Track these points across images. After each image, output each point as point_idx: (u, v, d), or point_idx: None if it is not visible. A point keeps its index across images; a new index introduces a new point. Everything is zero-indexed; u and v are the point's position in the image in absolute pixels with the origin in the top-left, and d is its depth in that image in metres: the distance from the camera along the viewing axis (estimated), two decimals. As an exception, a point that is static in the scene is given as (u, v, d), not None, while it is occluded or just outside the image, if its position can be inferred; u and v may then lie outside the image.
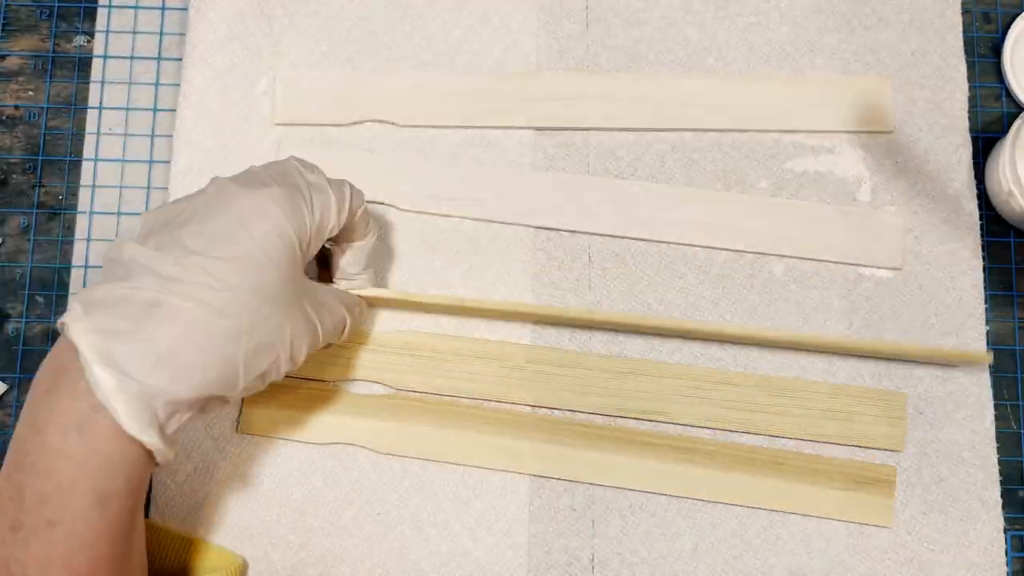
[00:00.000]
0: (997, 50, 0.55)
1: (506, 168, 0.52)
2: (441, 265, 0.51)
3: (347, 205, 0.42)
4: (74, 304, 0.37)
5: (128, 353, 0.35)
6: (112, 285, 0.37)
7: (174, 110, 0.53)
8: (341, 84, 0.52)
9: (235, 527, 0.48)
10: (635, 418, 0.50)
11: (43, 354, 0.49)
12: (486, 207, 0.51)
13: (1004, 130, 0.54)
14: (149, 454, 0.37)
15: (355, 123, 0.52)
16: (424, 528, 0.48)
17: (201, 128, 0.51)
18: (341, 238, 0.45)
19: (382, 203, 0.51)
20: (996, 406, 0.50)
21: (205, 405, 0.38)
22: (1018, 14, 0.55)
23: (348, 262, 0.46)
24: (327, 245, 0.47)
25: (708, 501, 0.49)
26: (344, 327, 0.44)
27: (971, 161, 0.52)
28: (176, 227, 0.38)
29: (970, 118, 0.53)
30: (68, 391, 0.35)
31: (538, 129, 0.53)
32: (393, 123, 0.52)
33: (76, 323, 0.36)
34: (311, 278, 0.44)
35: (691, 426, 0.50)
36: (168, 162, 0.52)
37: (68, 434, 0.35)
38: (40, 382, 0.36)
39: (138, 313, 0.36)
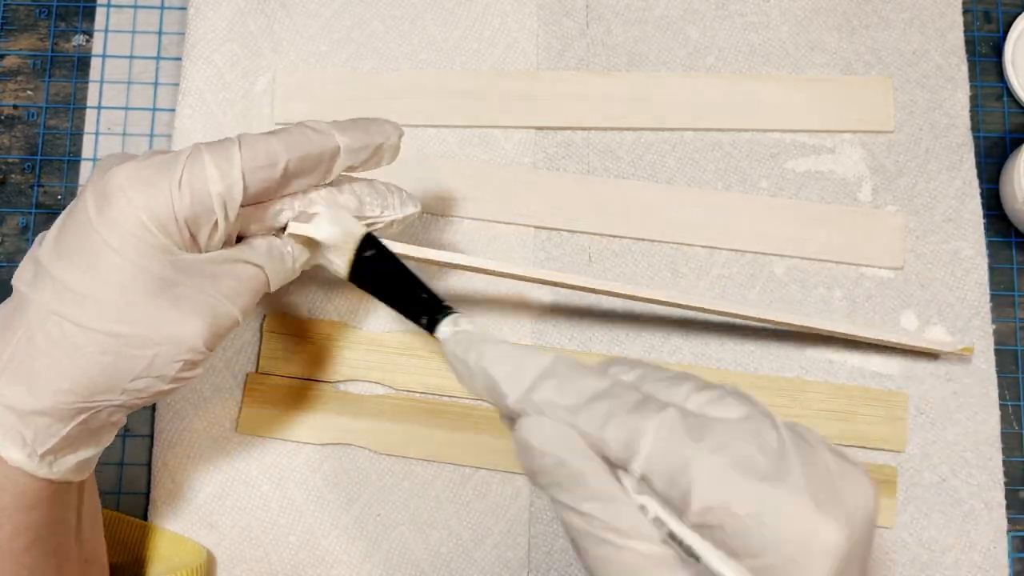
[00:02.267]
0: (998, 50, 0.55)
1: (506, 168, 0.52)
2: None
3: (235, 163, 0.36)
4: None
5: None
6: None
7: (173, 110, 0.53)
8: (340, 84, 0.52)
9: (235, 527, 0.48)
10: None
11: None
12: (486, 207, 0.51)
13: (1005, 130, 0.54)
14: (45, 482, 0.36)
15: (355, 123, 0.52)
16: (425, 529, 0.48)
17: (200, 127, 0.51)
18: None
19: (382, 203, 0.51)
20: (998, 407, 0.50)
21: (90, 416, 0.36)
22: (1019, 13, 0.55)
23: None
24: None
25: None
26: (267, 282, 0.39)
27: (973, 160, 0.52)
28: (55, 226, 0.36)
29: (971, 118, 0.53)
30: None
31: (538, 129, 0.53)
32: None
33: None
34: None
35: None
36: None
37: None
38: None
39: None
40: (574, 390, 0.29)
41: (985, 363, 0.50)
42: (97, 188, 0.35)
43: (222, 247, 0.37)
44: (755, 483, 0.26)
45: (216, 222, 0.36)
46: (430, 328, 0.36)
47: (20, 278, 0.36)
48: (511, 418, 0.31)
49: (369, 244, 0.39)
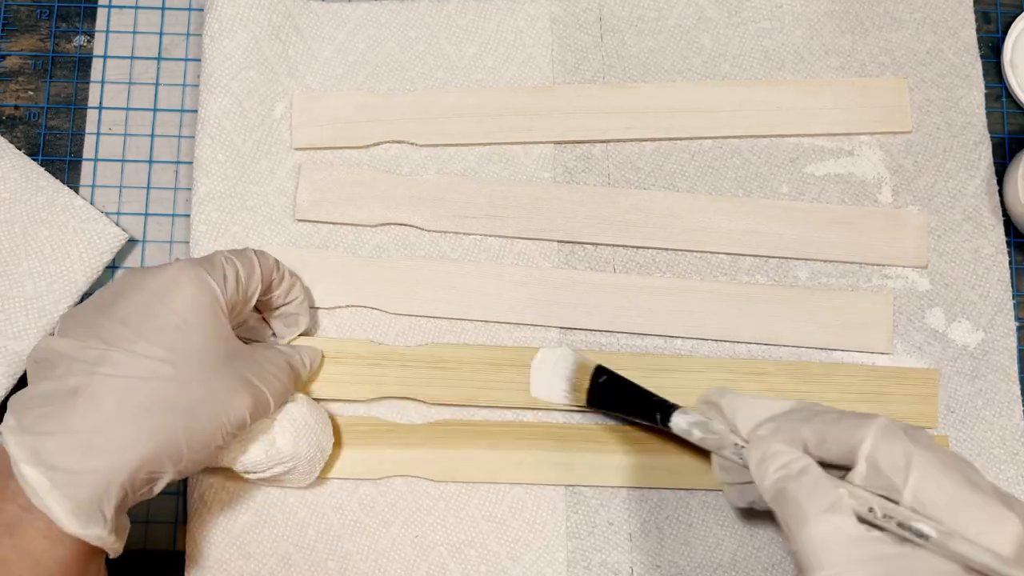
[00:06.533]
0: (997, 50, 0.55)
1: (527, 183, 0.52)
2: (467, 284, 0.51)
3: (256, 269, 0.43)
4: (8, 410, 0.37)
5: (56, 447, 0.35)
6: (39, 383, 0.37)
7: (175, 110, 0.53)
8: (358, 106, 0.52)
9: (272, 555, 0.48)
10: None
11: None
12: (509, 223, 0.51)
13: (1005, 131, 0.54)
14: (89, 549, 0.36)
15: (373, 144, 0.52)
16: (462, 549, 0.48)
17: (220, 156, 0.50)
18: (268, 305, 0.46)
19: (404, 224, 0.51)
20: (1021, 402, 0.50)
21: (152, 484, 0.38)
22: (1018, 14, 0.55)
23: (281, 329, 0.48)
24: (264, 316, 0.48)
25: (745, 507, 0.49)
26: (293, 378, 0.44)
27: (991, 158, 0.52)
28: (94, 314, 0.39)
29: (973, 118, 0.53)
30: (2, 493, 0.35)
31: (557, 143, 0.53)
32: (412, 143, 0.52)
33: (7, 428, 0.36)
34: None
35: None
36: (168, 162, 0.53)
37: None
38: None
39: (61, 405, 0.36)
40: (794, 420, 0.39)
41: (1008, 360, 0.51)
42: (161, 279, 0.39)
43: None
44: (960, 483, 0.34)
45: (240, 312, 0.43)
46: (663, 422, 0.45)
47: (79, 356, 0.37)
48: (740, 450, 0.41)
49: (601, 372, 0.48)
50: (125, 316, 0.38)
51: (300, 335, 0.49)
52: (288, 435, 0.44)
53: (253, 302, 0.43)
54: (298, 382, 0.45)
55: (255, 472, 0.44)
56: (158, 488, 0.38)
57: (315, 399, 0.48)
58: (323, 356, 0.48)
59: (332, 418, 0.48)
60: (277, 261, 0.45)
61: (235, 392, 0.40)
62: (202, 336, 0.39)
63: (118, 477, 0.36)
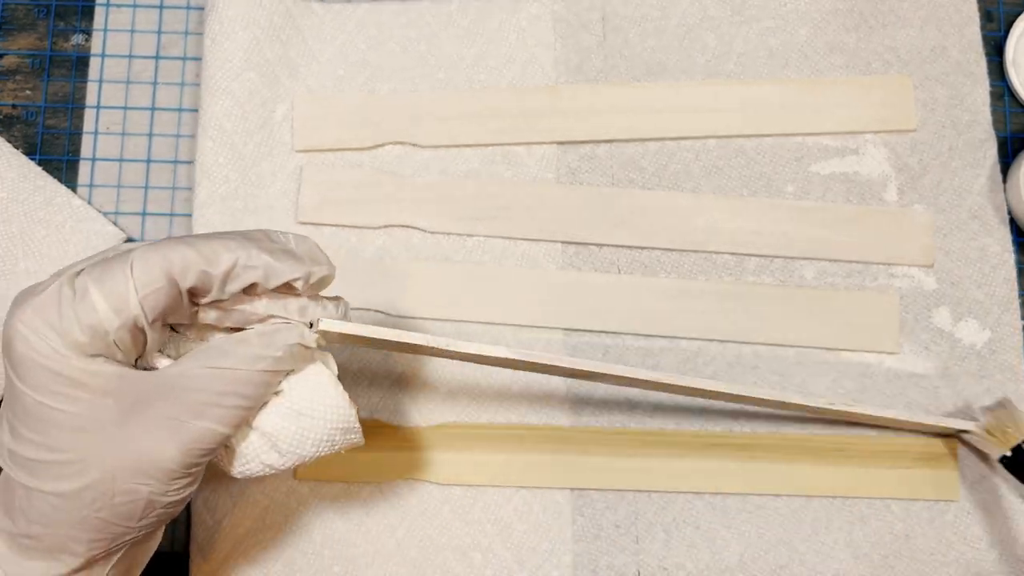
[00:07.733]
0: (999, 49, 0.55)
1: (530, 184, 0.52)
2: (471, 286, 0.50)
3: (130, 285, 0.32)
4: None
5: (4, 548, 0.35)
6: None
7: (173, 109, 0.52)
8: (360, 107, 0.52)
9: (278, 561, 0.47)
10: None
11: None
12: (512, 225, 0.51)
13: (1007, 130, 0.54)
14: None
15: (376, 146, 0.52)
16: (468, 552, 0.48)
17: (222, 159, 0.50)
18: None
19: (407, 226, 0.51)
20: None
21: (112, 556, 0.35)
22: (1020, 13, 0.54)
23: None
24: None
25: (752, 510, 0.48)
26: (261, 386, 0.34)
27: (996, 156, 0.52)
28: None
29: (973, 118, 0.53)
30: None
31: (560, 143, 0.52)
32: (414, 144, 0.52)
33: None
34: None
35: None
36: (166, 162, 0.52)
37: None
38: None
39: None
40: None
41: (1016, 359, 0.50)
42: (8, 351, 0.32)
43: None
44: None
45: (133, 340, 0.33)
46: None
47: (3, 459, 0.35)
48: None
49: None
50: (9, 404, 0.33)
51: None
52: (280, 439, 0.36)
53: (140, 318, 0.32)
54: (275, 377, 0.35)
55: (271, 470, 0.37)
56: (152, 537, 0.37)
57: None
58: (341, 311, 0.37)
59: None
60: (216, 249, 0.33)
61: (151, 448, 0.33)
62: (63, 408, 0.32)
63: (72, 568, 0.34)
